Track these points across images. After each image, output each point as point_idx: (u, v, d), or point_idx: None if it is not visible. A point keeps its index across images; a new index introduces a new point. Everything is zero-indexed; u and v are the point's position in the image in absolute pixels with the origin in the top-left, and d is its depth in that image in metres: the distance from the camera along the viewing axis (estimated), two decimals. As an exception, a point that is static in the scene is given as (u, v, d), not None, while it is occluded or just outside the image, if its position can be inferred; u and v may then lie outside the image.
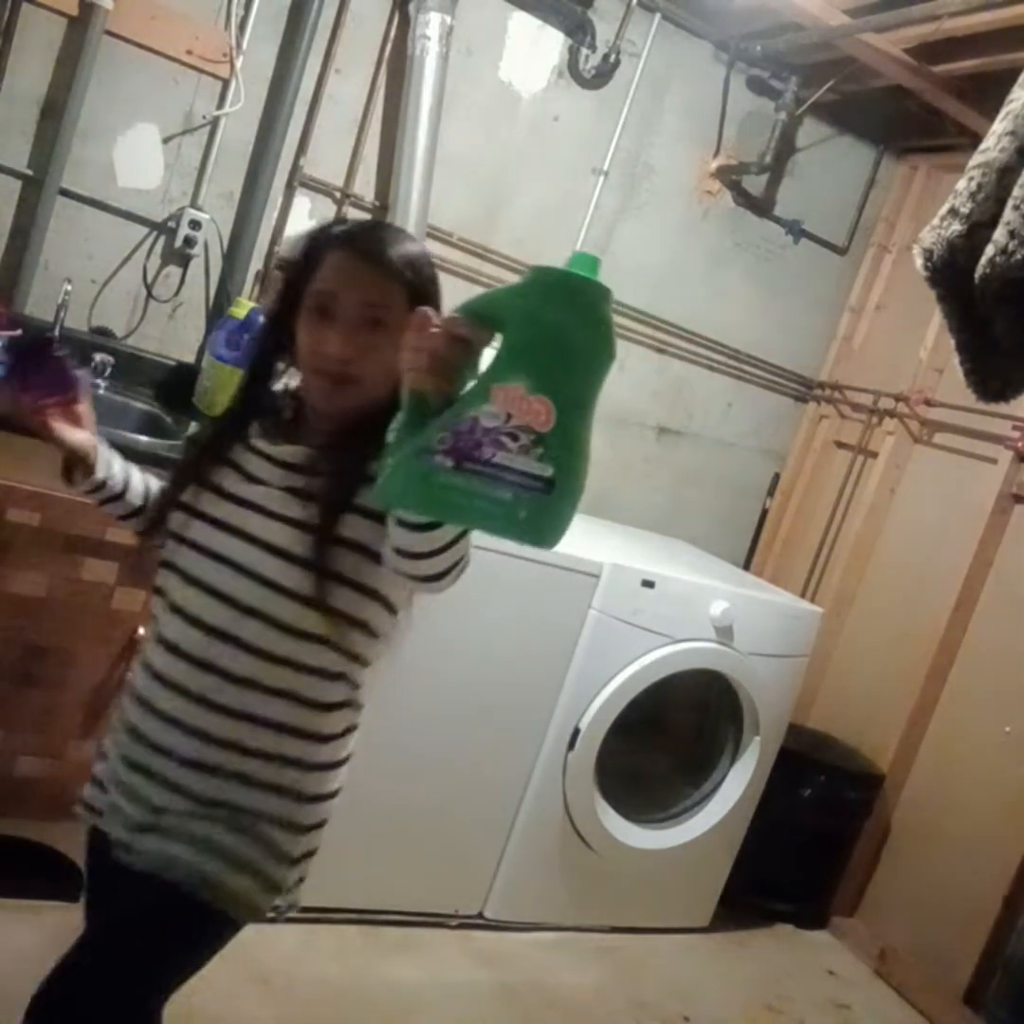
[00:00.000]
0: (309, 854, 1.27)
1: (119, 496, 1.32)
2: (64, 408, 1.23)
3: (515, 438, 0.78)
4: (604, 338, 0.81)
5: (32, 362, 1.23)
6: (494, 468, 0.78)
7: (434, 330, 0.84)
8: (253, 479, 1.20)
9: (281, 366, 1.28)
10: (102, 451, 1.29)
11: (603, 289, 0.80)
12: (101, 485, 1.30)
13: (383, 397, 1.08)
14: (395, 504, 0.92)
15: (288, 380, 1.28)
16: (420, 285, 1.18)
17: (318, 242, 1.20)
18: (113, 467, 1.31)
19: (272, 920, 1.27)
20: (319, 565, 1.13)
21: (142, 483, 1.36)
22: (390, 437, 0.86)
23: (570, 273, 0.80)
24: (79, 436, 1.25)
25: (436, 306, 1.14)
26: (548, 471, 0.78)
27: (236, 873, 1.17)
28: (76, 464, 1.27)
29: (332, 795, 1.28)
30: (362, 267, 1.17)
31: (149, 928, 1.16)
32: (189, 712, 1.18)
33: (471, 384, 0.82)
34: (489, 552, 1.76)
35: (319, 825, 1.27)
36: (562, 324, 0.79)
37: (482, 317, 0.83)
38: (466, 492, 0.78)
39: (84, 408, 1.26)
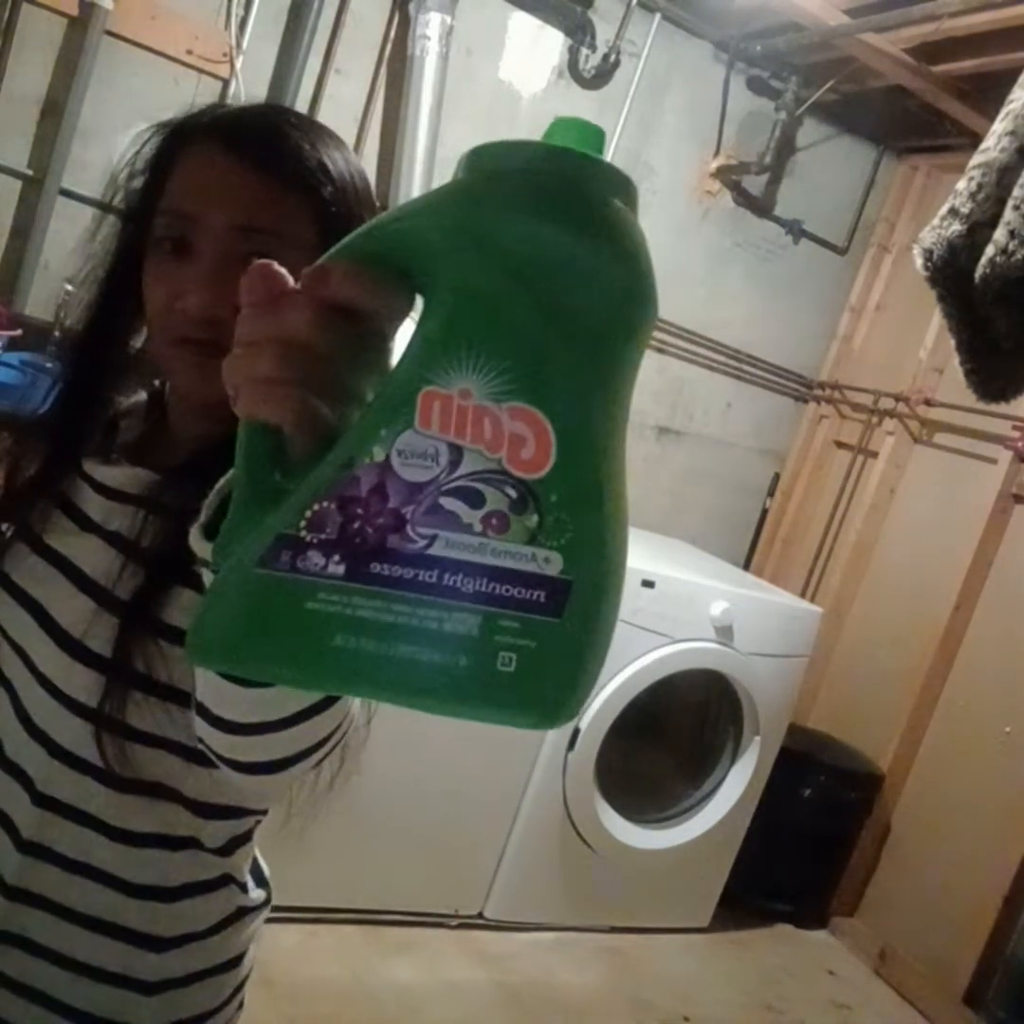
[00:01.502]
0: None
1: None
2: None
3: (475, 498, 0.37)
4: (629, 262, 0.41)
5: None
6: (434, 570, 0.37)
7: (285, 297, 0.40)
8: (83, 523, 0.77)
9: (132, 342, 0.81)
10: None
11: (615, 174, 0.41)
12: None
13: None
14: (225, 660, 0.42)
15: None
16: (341, 206, 0.71)
17: (174, 137, 0.74)
18: None
19: None
20: (119, 668, 0.70)
21: None
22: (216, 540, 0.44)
23: (545, 148, 0.39)
24: None
25: None
26: (553, 564, 0.37)
27: None
28: None
29: (206, 1016, 0.81)
30: (240, 170, 0.70)
31: None
32: None
33: (374, 397, 0.39)
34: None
35: None
36: (544, 247, 0.38)
37: (390, 257, 0.40)
38: (376, 631, 0.37)
39: None
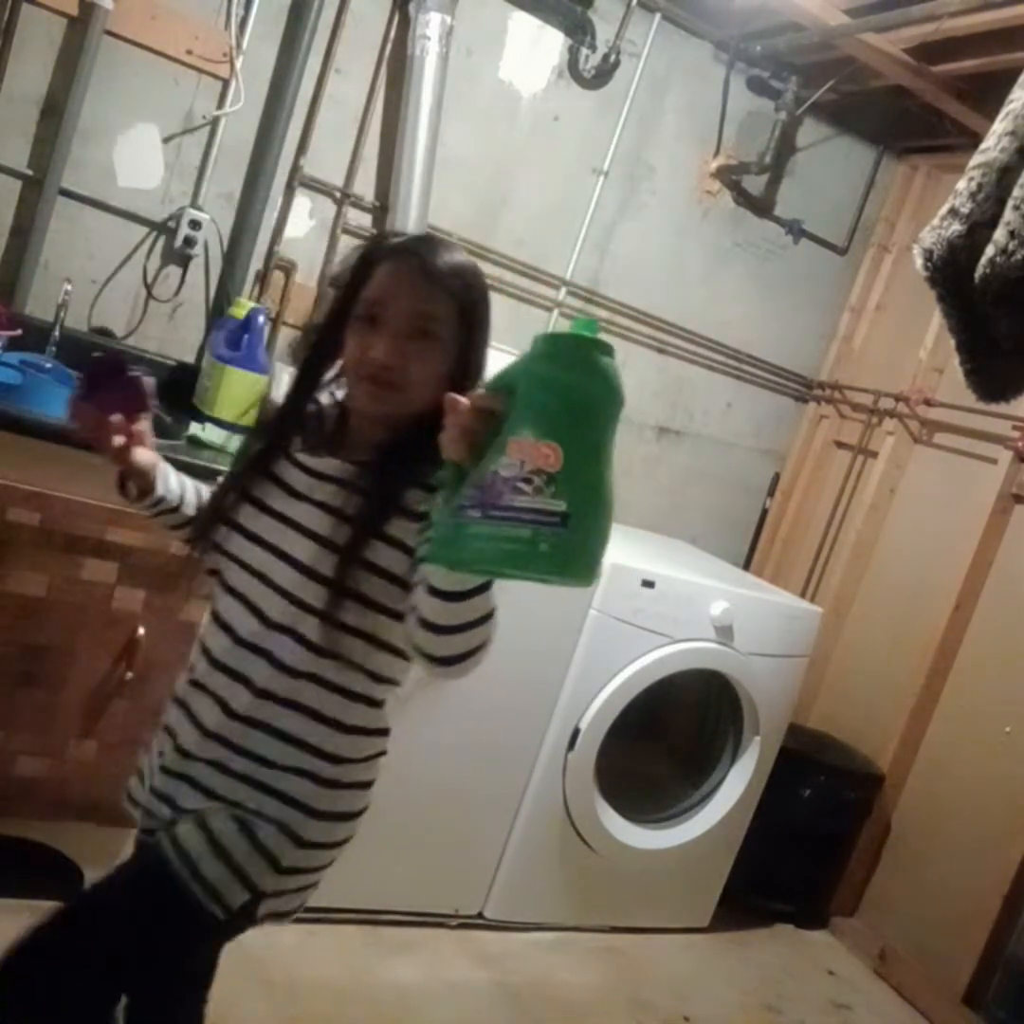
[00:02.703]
0: (307, 870, 1.25)
1: (173, 509, 1.35)
2: (129, 426, 1.23)
3: (529, 482, 0.84)
4: (600, 383, 0.88)
5: (106, 379, 1.23)
6: (513, 511, 0.84)
7: (463, 408, 0.91)
8: (292, 493, 1.22)
9: (327, 377, 1.28)
10: (160, 467, 1.31)
11: (595, 342, 0.88)
12: (159, 501, 1.32)
13: (425, 410, 1.10)
14: (438, 559, 0.95)
15: (334, 392, 1.29)
16: (468, 299, 1.20)
17: (371, 253, 1.22)
18: (170, 482, 1.33)
19: (241, 922, 1.22)
20: (340, 586, 1.15)
21: (195, 494, 1.37)
22: (436, 507, 0.95)
23: (565, 334, 0.90)
24: (142, 455, 1.27)
25: (484, 321, 1.22)
26: (561, 506, 0.83)
27: (213, 859, 1.18)
28: (132, 479, 1.29)
29: (346, 816, 1.27)
30: (412, 278, 1.17)
31: (130, 901, 1.20)
32: (214, 717, 1.21)
33: (491, 446, 0.89)
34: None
35: (325, 844, 1.26)
36: (560, 376, 0.88)
37: (500, 387, 0.92)
38: (491, 537, 0.85)
39: (147, 426, 1.27)
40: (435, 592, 1.01)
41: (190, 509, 1.35)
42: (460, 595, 1.00)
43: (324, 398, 1.29)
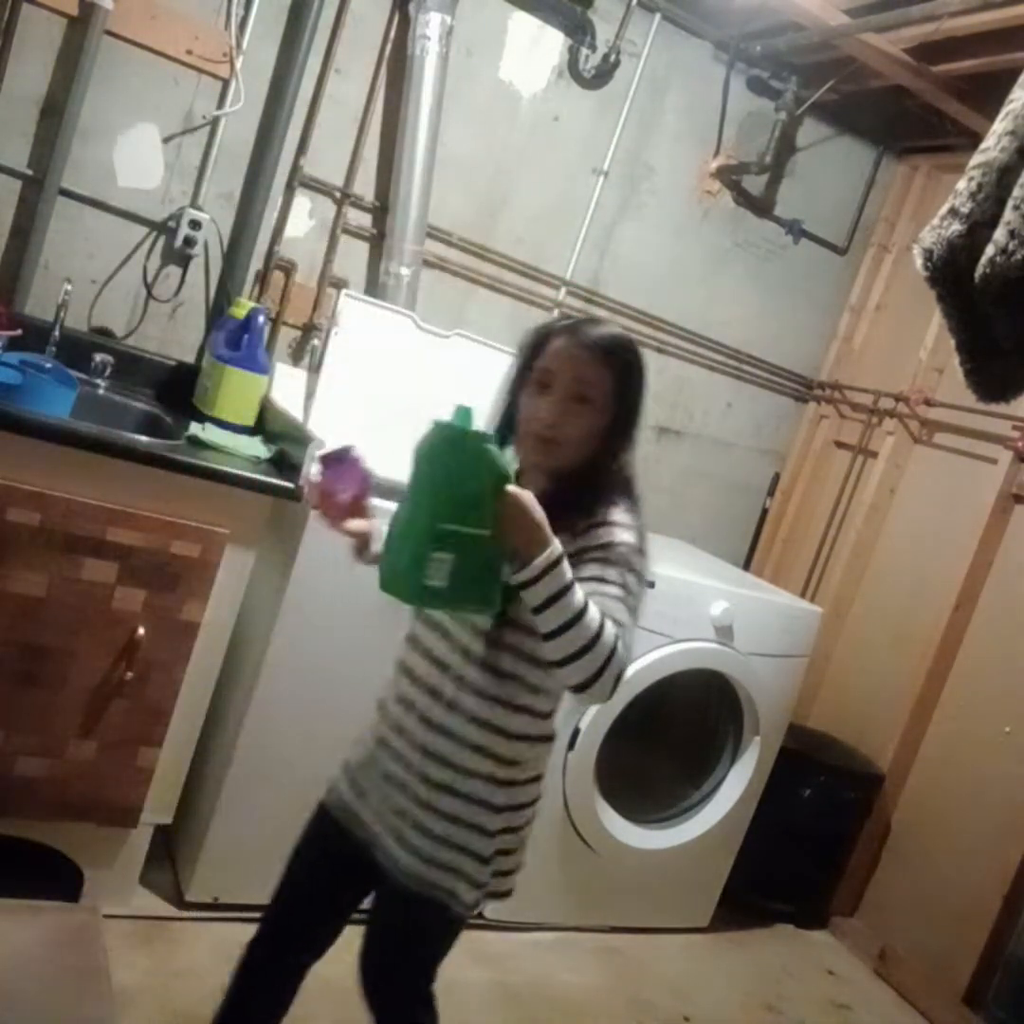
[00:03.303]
0: (501, 853, 1.47)
1: None
2: (357, 502, 1.50)
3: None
4: (435, 461, 1.23)
5: (338, 465, 1.50)
6: None
7: None
8: None
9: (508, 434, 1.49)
10: (380, 531, 1.54)
11: (442, 428, 1.23)
12: (375, 557, 1.53)
13: (583, 463, 1.41)
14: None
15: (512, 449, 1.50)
16: (623, 369, 1.45)
17: (545, 332, 1.47)
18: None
19: (474, 908, 1.49)
20: (501, 612, 1.35)
21: None
22: None
23: (434, 423, 1.25)
24: (365, 525, 1.51)
25: (637, 388, 1.48)
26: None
27: (436, 869, 1.43)
28: (361, 544, 1.53)
29: (521, 806, 1.48)
30: (575, 351, 1.41)
31: (400, 933, 1.56)
32: (415, 728, 1.44)
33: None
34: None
35: (507, 830, 1.47)
36: (418, 451, 1.25)
37: None
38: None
39: (369, 501, 1.52)
40: (540, 635, 1.27)
41: None
42: (551, 634, 1.24)
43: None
